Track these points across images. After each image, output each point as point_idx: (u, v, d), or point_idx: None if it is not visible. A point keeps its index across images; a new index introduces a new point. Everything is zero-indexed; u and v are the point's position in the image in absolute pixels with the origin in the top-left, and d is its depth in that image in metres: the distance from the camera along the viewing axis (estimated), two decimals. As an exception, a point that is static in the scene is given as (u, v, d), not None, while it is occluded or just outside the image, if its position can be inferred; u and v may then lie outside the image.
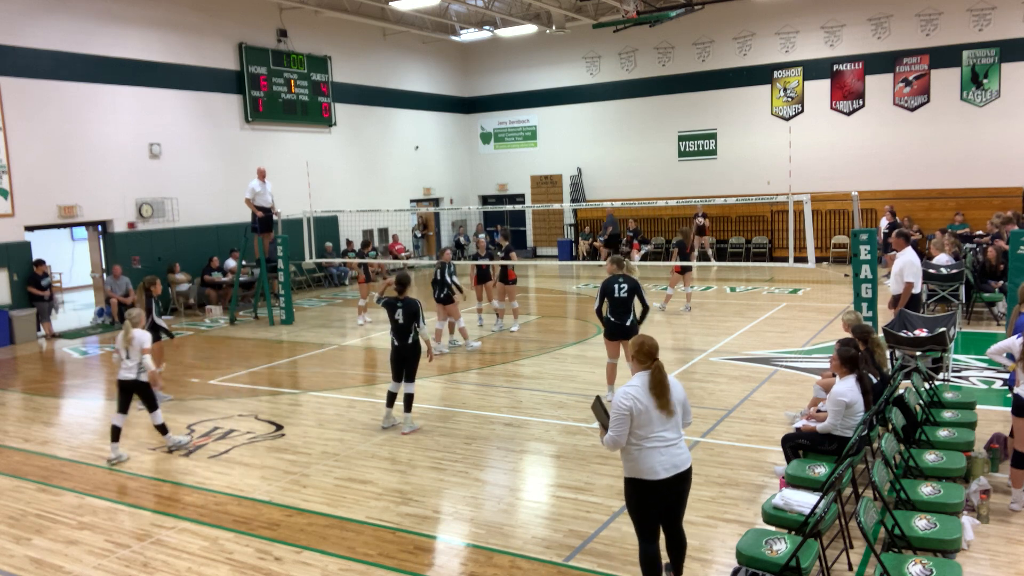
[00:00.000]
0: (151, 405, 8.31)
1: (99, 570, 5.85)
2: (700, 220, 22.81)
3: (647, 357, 4.77)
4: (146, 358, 8.08)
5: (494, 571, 5.54)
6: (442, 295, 12.66)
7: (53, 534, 6.50)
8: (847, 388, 6.04)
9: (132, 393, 8.19)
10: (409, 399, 8.74)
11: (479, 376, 11.30)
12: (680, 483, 4.74)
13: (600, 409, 4.86)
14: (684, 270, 15.25)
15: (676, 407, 4.76)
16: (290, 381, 11.49)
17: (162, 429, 8.42)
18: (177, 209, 18.63)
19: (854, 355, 6.20)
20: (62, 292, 22.30)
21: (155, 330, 9.95)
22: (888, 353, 8.18)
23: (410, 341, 8.63)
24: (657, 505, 4.74)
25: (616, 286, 9.01)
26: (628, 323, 9.00)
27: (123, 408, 8.21)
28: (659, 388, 4.69)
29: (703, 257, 22.72)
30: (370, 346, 13.92)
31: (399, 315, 8.62)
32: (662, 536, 4.91)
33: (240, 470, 7.78)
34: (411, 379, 8.72)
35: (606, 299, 9.10)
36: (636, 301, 9.11)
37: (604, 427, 4.79)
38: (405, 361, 8.68)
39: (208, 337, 15.27)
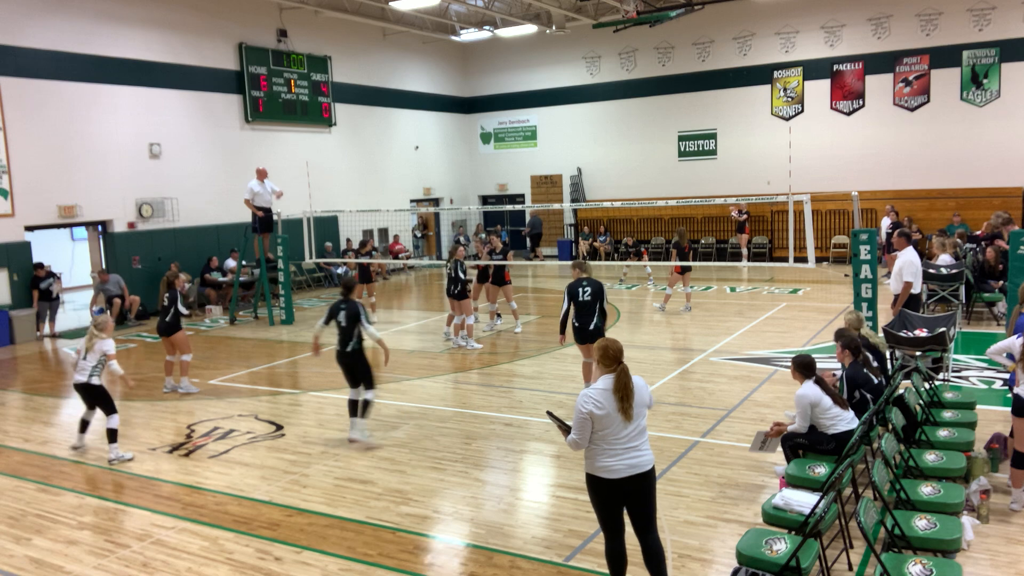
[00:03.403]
0: (108, 409, 8.25)
1: (99, 570, 5.85)
2: (737, 215, 22.79)
3: (612, 361, 4.77)
4: (113, 364, 8.17)
5: (494, 571, 5.54)
6: (456, 290, 12.94)
7: (53, 534, 6.50)
8: (807, 390, 6.22)
9: (90, 395, 8.28)
10: (366, 405, 8.41)
11: (479, 376, 11.30)
12: (639, 482, 4.72)
13: (553, 417, 5.03)
14: (684, 270, 15.25)
15: (638, 411, 4.75)
16: (290, 381, 11.48)
17: (112, 435, 8.19)
18: (177, 209, 18.62)
19: (809, 362, 6.35)
20: (62, 292, 22.31)
21: (178, 321, 10.72)
22: (888, 353, 8.18)
23: (349, 348, 8.34)
24: (616, 502, 4.78)
25: (580, 289, 8.92)
26: (592, 327, 8.89)
27: (90, 406, 8.48)
28: (623, 392, 4.68)
29: (737, 257, 22.68)
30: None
31: (342, 318, 8.38)
32: (636, 542, 4.89)
33: (240, 470, 7.78)
34: (369, 385, 8.43)
35: (572, 303, 8.96)
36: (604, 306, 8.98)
37: (561, 429, 4.93)
38: (350, 368, 8.44)
39: (208, 337, 15.26)
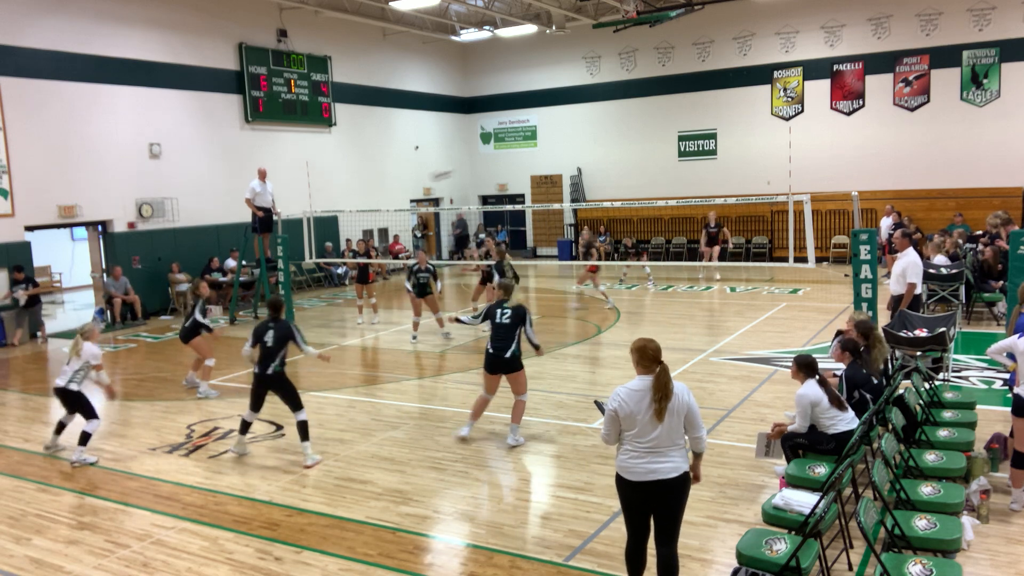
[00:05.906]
0: (87, 414, 8.24)
1: (99, 570, 5.85)
2: (710, 228, 20.21)
3: (651, 362, 4.73)
4: (102, 374, 8.30)
5: (494, 571, 5.54)
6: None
7: (53, 534, 6.50)
8: (808, 389, 6.21)
9: (68, 400, 8.26)
10: (302, 427, 7.83)
11: (479, 376, 11.27)
12: (659, 489, 4.63)
13: (600, 407, 5.05)
14: (596, 268, 16.35)
15: (671, 417, 4.65)
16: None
17: (84, 438, 8.15)
18: (177, 209, 18.62)
19: (811, 362, 6.36)
20: (61, 292, 22.35)
21: (196, 327, 10.67)
22: (888, 353, 8.18)
23: (271, 371, 7.74)
24: (636, 504, 4.74)
25: (499, 311, 8.03)
26: (508, 355, 7.93)
27: (70, 411, 8.47)
28: (662, 392, 4.63)
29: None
30: (370, 346, 13.92)
31: (269, 338, 7.76)
32: (652, 552, 4.86)
33: (240, 470, 7.78)
34: (296, 407, 7.85)
35: (491, 326, 8.13)
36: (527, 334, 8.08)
37: None
38: (262, 393, 7.90)
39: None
